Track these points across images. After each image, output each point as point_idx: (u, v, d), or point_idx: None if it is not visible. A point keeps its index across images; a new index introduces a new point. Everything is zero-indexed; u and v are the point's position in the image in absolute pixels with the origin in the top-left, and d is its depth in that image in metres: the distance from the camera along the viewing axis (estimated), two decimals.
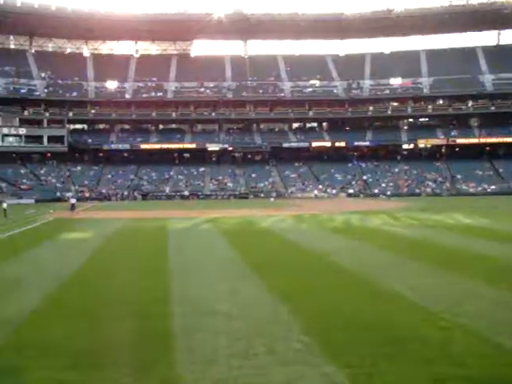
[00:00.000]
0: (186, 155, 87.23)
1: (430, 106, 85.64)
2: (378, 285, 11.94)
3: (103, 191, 74.86)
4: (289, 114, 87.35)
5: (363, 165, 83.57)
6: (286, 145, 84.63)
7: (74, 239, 23.47)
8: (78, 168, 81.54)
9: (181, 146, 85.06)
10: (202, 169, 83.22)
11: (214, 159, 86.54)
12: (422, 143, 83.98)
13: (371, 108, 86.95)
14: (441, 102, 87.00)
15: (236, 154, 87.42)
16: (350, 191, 75.38)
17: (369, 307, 10.01)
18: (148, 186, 78.10)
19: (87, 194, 72.14)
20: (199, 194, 74.70)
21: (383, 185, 77.32)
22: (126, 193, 74.35)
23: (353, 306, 10.15)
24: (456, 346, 7.83)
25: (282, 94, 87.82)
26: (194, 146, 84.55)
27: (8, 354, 7.77)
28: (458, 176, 77.97)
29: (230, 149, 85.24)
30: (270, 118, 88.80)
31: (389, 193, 72.18)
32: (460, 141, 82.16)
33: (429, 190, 75.07)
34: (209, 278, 13.41)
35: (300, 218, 34.55)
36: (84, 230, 27.81)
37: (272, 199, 67.45)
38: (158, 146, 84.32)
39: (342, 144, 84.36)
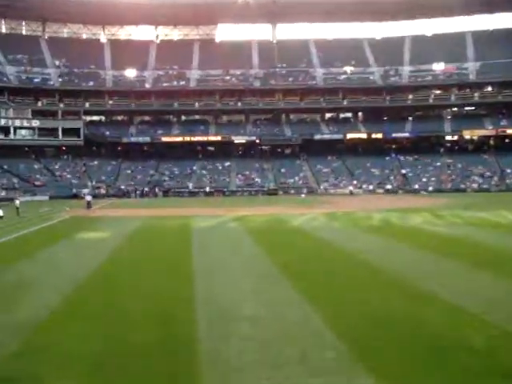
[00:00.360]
0: (211, 148, 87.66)
1: (476, 94, 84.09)
2: (415, 287, 11.87)
3: (122, 187, 75.69)
4: (321, 103, 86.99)
5: (402, 158, 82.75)
6: (317, 137, 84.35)
7: (92, 239, 23.78)
8: (95, 163, 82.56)
9: (205, 138, 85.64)
10: (227, 163, 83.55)
11: (240, 153, 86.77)
12: (467, 134, 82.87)
13: (411, 96, 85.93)
14: (489, 88, 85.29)
15: (264, 147, 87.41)
16: (388, 187, 74.83)
17: (406, 311, 9.96)
18: (169, 181, 78.71)
19: (104, 191, 73.07)
20: (224, 190, 75.06)
21: (424, 180, 76.46)
22: (146, 189, 75.09)
23: (388, 308, 10.12)
24: (504, 355, 7.70)
25: (314, 82, 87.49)
26: (218, 138, 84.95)
27: (24, 361, 7.85)
28: (508, 170, 76.61)
29: (258, 141, 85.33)
30: (301, 107, 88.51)
31: (430, 188, 71.37)
32: (511, 131, 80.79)
33: (475, 185, 73.92)
34: (235, 279, 13.49)
35: (333, 216, 34.39)
36: (102, 228, 28.14)
37: (303, 196, 67.42)
38: (180, 139, 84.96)
39: (379, 136, 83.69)
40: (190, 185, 76.79)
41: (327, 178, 78.94)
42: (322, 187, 75.70)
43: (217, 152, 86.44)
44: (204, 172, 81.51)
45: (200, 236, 23.76)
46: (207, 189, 74.63)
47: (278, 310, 10.33)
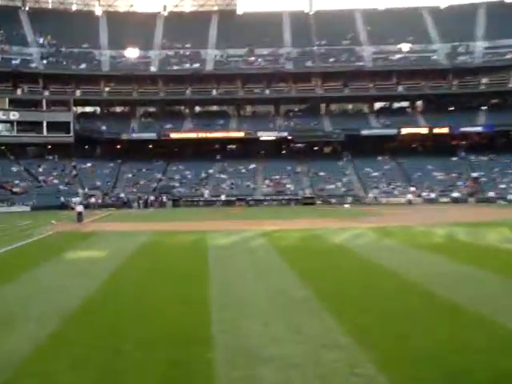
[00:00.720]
0: (231, 147, 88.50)
1: None
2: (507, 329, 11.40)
3: (121, 195, 76.52)
4: (369, 90, 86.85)
5: (473, 159, 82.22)
6: (365, 132, 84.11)
7: (83, 260, 23.78)
8: (88, 165, 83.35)
9: (224, 134, 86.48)
10: (252, 165, 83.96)
11: (268, 152, 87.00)
12: None
13: (485, 80, 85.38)
14: None
15: (298, 145, 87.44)
16: (455, 195, 74.30)
17: (488, 360, 9.59)
18: (180, 188, 79.50)
19: (99, 200, 73.74)
20: (248, 199, 75.49)
21: (502, 186, 75.60)
22: (151, 197, 75.83)
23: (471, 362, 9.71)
24: None
25: (361, 63, 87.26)
26: (241, 134, 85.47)
27: None
28: None
29: (290, 138, 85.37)
30: (344, 95, 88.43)
31: (510, 197, 70.44)
32: None
33: None
34: (262, 312, 13.33)
35: (386, 231, 34.07)
36: (96, 247, 28.26)
37: (347, 206, 67.44)
38: (193, 135, 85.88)
39: (444, 130, 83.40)
40: (206, 192, 77.35)
41: (377, 183, 78.59)
42: (370, 195, 75.37)
43: (239, 151, 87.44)
44: (223, 176, 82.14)
45: (218, 256, 23.75)
46: (227, 197, 75.13)
47: (320, 353, 10.10)
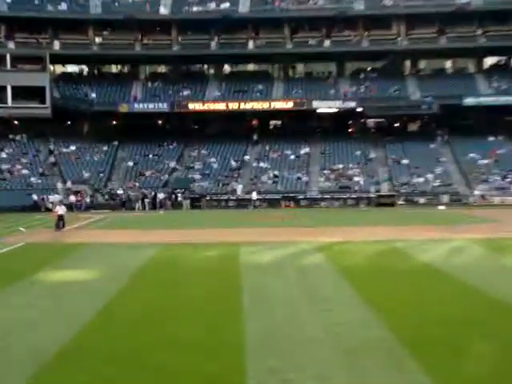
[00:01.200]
0: (275, 123, 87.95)
1: None
2: None
3: (119, 192, 76.29)
4: (477, 38, 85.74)
5: None
6: (469, 101, 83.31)
7: (65, 283, 23.73)
8: (72, 148, 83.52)
9: (264, 105, 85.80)
10: (304, 149, 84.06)
11: (327, 131, 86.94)
12: None
13: None
14: None
15: (370, 121, 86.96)
16: None
17: None
18: (202, 181, 79.14)
19: (89, 198, 73.67)
20: (299, 197, 75.01)
21: None
22: (161, 195, 75.13)
23: None
24: None
25: (463, 1, 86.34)
26: (289, 105, 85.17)
27: None
28: None
29: (360, 110, 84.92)
30: (439, 47, 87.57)
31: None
32: None
33: None
34: (320, 361, 13.22)
35: (500, 245, 33.61)
36: (82, 266, 28.07)
37: (441, 208, 66.98)
38: (221, 107, 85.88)
39: None
40: (239, 188, 76.96)
41: (487, 175, 77.78)
42: (476, 192, 74.51)
43: (286, 129, 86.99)
44: (263, 165, 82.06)
45: (256, 282, 23.69)
46: (268, 195, 74.76)
47: None
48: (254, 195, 73.10)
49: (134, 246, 36.09)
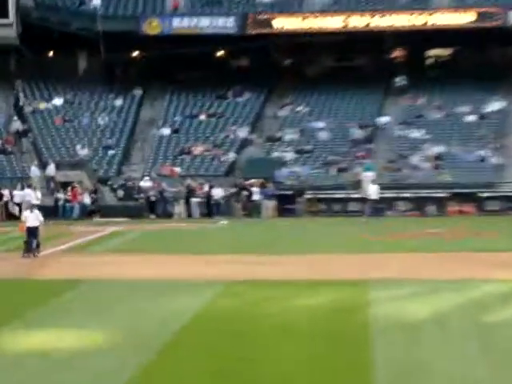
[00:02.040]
0: (437, 56, 74.28)
1: None
2: None
3: (143, 184, 61.52)
4: None
5: None
6: None
7: (40, 356, 15.75)
8: (56, 102, 69.55)
9: (417, 20, 67.07)
10: (493, 105, 66.18)
11: None
12: None
13: None
14: None
15: None
16: None
17: None
18: (298, 165, 62.78)
19: (87, 196, 60.30)
20: (483, 194, 58.95)
21: None
22: (219, 191, 60.01)
23: None
24: None
25: None
26: (467, 18, 66.26)
27: None
28: None
29: None
30: None
31: None
32: None
33: None
34: None
35: None
36: (73, 321, 20.28)
37: None
38: (334, 23, 68.35)
39: None
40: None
41: None
42: None
43: (458, 67, 70.02)
44: (413, 134, 65.40)
45: (400, 354, 15.53)
46: (418, 190, 60.36)
47: None
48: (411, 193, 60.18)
49: (168, 285, 26.90)
